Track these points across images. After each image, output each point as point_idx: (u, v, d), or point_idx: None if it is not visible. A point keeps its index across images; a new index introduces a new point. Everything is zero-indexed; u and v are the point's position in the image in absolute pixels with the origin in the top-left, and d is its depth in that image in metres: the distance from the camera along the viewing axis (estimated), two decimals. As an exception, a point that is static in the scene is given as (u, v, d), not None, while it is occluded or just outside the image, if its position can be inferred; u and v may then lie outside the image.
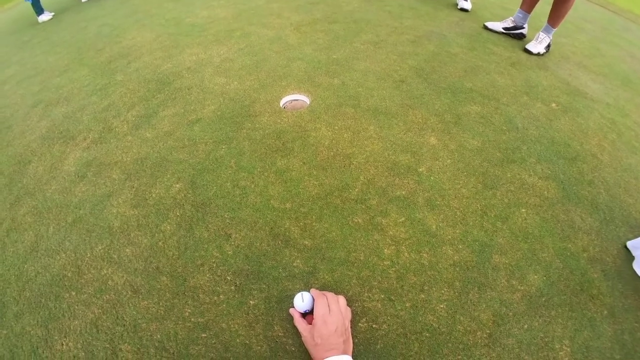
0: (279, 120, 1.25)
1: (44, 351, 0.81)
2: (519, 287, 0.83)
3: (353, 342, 0.68)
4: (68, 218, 1.08)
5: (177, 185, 1.04)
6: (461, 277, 0.81)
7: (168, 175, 1.08)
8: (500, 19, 2.37)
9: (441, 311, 0.75)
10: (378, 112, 1.27)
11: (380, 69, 1.55)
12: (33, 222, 1.14)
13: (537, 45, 2.05)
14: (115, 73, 1.90)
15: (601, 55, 2.37)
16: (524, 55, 2.03)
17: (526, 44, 2.10)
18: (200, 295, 0.78)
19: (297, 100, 1.37)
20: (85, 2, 4.34)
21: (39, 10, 3.96)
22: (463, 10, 2.57)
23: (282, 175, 1.04)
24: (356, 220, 0.92)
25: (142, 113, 1.42)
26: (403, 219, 0.91)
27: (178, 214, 0.96)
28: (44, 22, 3.94)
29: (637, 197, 1.25)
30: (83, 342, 0.79)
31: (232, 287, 0.79)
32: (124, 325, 0.77)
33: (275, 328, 0.72)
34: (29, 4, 4.07)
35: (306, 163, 1.08)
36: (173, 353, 0.71)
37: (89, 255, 0.94)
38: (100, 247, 0.94)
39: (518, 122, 1.37)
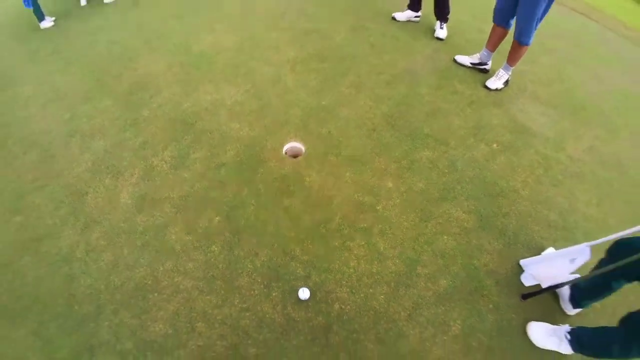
0: (283, 167, 1.87)
1: (141, 333, 1.43)
2: (432, 288, 1.50)
3: (330, 317, 1.34)
4: (137, 242, 1.69)
5: (217, 218, 1.66)
6: (395, 280, 1.47)
7: (208, 210, 1.70)
8: (474, 44, 2.92)
9: (381, 300, 1.42)
10: (353, 159, 1.90)
11: (358, 117, 2.16)
12: (107, 245, 1.72)
13: (496, 82, 2.64)
14: (141, 107, 2.44)
15: (561, 80, 2.91)
16: (484, 92, 2.61)
17: (490, 76, 2.64)
18: (242, 291, 1.42)
19: (295, 146, 1.99)
20: (85, 5, 4.69)
21: (40, 17, 4.26)
22: (438, 39, 3.16)
23: (288, 212, 1.68)
24: (334, 244, 1.57)
25: (175, 154, 2.01)
26: (363, 243, 1.56)
27: (221, 239, 1.59)
28: (46, 28, 4.30)
29: (544, 224, 1.84)
30: (170, 324, 1.42)
31: (262, 286, 1.44)
32: (197, 311, 1.42)
33: (288, 309, 1.38)
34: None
35: (303, 202, 1.71)
36: (230, 325, 1.36)
37: (161, 269, 1.57)
38: (169, 263, 1.57)
39: (459, 165, 2.00)
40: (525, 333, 1.45)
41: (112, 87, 2.77)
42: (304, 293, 1.37)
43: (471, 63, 2.83)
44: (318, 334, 1.33)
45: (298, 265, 1.51)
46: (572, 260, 1.35)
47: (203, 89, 2.47)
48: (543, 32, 3.66)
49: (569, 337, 1.35)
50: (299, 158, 1.93)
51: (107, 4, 4.61)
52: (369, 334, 1.33)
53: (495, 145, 2.22)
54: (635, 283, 1.24)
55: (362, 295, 1.43)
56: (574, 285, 1.48)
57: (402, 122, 2.18)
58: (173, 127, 2.20)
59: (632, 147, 2.39)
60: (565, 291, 1.53)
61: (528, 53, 3.03)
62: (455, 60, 2.87)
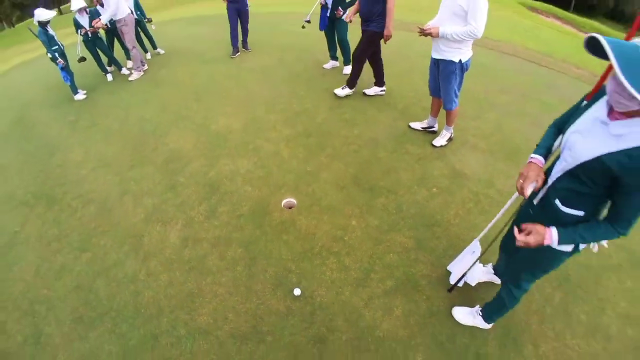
0: (282, 215, 2.91)
1: (191, 323, 2.33)
2: (381, 287, 2.44)
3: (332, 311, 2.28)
4: (185, 267, 2.65)
5: (239, 250, 2.66)
6: (356, 283, 2.43)
7: (234, 245, 2.70)
8: (429, 111, 4.01)
9: (347, 295, 2.37)
10: (329, 208, 2.96)
11: (333, 178, 3.27)
12: (163, 270, 2.69)
13: (440, 140, 3.77)
14: (177, 175, 3.54)
15: (501, 131, 3.88)
16: (430, 149, 3.71)
17: (437, 136, 3.75)
18: (258, 293, 2.37)
19: (290, 201, 3.04)
20: (111, 81, 6.06)
21: (74, 90, 5.59)
22: (366, 95, 4.39)
23: (286, 244, 2.68)
24: (316, 262, 2.55)
25: (207, 209, 3.06)
26: (335, 261, 2.55)
27: (243, 262, 2.57)
28: (79, 100, 5.55)
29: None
30: (210, 316, 2.34)
31: (271, 289, 2.39)
32: (228, 307, 2.35)
33: (288, 302, 2.32)
34: (47, 63, 5.65)
35: (296, 237, 2.72)
36: (251, 314, 2.28)
37: (204, 282, 2.52)
38: (209, 279, 2.53)
39: (404, 207, 3.04)
40: (450, 314, 2.26)
41: (151, 158, 3.88)
42: (297, 292, 2.33)
43: (421, 127, 3.99)
44: (306, 316, 2.26)
45: (293, 275, 2.48)
46: (472, 253, 2.22)
47: (223, 161, 3.60)
48: (492, 89, 4.90)
49: (480, 313, 2.18)
50: (293, 209, 2.99)
51: (130, 81, 5.97)
52: (339, 316, 2.26)
53: (434, 189, 3.21)
54: None
55: (334, 292, 2.38)
56: (496, 266, 2.37)
57: (364, 180, 3.27)
58: (204, 190, 3.27)
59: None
60: (491, 275, 2.40)
61: (475, 108, 4.16)
62: (409, 126, 4.03)
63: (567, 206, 1.47)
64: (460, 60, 3.06)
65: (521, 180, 1.57)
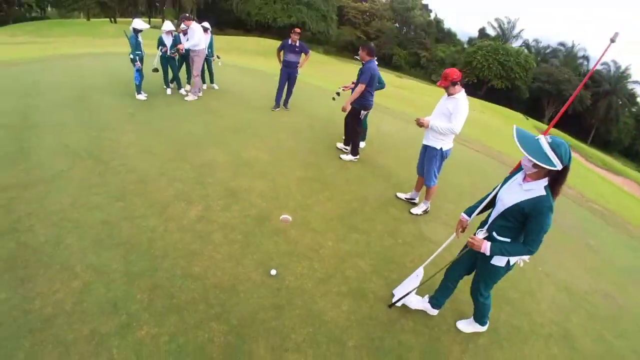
0: (278, 225, 3.81)
1: (187, 269, 3.05)
2: (336, 288, 3.14)
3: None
4: (196, 235, 3.45)
5: (240, 236, 3.50)
6: (318, 282, 3.18)
7: (236, 232, 3.55)
8: (413, 181, 5.03)
9: (309, 286, 3.11)
10: (314, 230, 3.85)
11: (324, 212, 4.22)
12: (177, 231, 3.50)
13: (417, 209, 4.70)
14: (206, 176, 4.54)
15: None
16: (407, 215, 4.63)
17: (415, 206, 4.74)
18: (245, 267, 3.15)
19: (286, 217, 3.96)
20: (170, 94, 7.41)
21: (138, 90, 6.88)
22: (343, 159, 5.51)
23: (276, 243, 3.53)
24: (294, 259, 3.35)
25: (225, 204, 3.99)
26: (307, 264, 3.34)
27: (239, 245, 3.39)
28: (140, 100, 6.79)
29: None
30: (204, 270, 3.07)
31: (255, 266, 3.16)
32: (219, 268, 3.10)
33: (264, 278, 3.08)
34: (117, 62, 7.03)
35: (284, 241, 3.58)
36: (235, 277, 3.03)
37: (205, 248, 3.30)
38: (210, 247, 3.32)
39: (372, 245, 3.85)
40: (386, 323, 2.87)
41: (189, 159, 4.96)
42: (273, 272, 3.11)
43: (405, 198, 4.97)
44: (274, 290, 2.97)
45: (273, 263, 3.27)
46: (417, 276, 2.93)
47: (244, 179, 4.66)
48: (482, 186, 5.89)
49: (475, 321, 2.89)
50: (287, 224, 3.90)
51: (185, 100, 7.25)
52: (298, 296, 2.97)
53: (400, 241, 4.05)
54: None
55: (300, 282, 3.14)
56: (432, 297, 3.03)
57: (348, 220, 4.21)
58: (225, 192, 4.27)
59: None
60: (426, 304, 3.04)
61: (455, 197, 5.22)
62: (396, 195, 5.02)
63: (499, 235, 2.43)
64: (441, 148, 4.20)
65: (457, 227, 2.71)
